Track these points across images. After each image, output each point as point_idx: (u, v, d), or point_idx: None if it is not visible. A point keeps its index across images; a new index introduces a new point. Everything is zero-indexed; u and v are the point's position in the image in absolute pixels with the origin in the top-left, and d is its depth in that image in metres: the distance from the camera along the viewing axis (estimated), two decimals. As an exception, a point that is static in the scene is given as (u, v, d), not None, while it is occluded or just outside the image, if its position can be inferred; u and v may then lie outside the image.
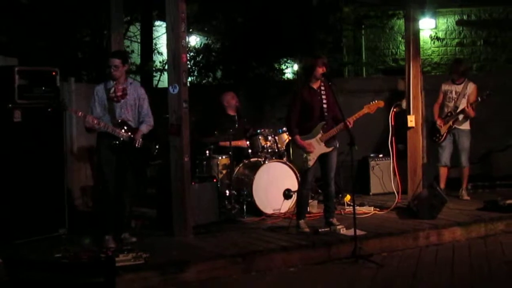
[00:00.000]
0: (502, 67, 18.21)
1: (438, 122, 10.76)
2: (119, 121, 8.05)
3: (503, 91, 12.31)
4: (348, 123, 8.38)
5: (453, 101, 10.73)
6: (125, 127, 8.06)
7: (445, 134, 10.70)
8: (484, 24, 18.80)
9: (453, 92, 10.79)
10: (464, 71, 10.87)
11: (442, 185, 10.62)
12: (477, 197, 10.74)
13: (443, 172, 10.89)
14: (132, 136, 8.06)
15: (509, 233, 9.26)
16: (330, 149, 8.64)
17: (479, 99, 10.55)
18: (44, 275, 3.80)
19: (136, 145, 8.07)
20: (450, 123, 10.67)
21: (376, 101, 8.86)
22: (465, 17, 18.93)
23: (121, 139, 8.00)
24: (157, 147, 8.47)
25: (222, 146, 10.36)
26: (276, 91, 12.83)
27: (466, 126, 10.69)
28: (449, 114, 10.74)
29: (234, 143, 10.10)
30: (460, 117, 10.61)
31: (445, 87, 10.91)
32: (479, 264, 7.74)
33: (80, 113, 7.98)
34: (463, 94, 10.68)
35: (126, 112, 8.14)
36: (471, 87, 10.72)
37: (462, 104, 10.63)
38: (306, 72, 8.82)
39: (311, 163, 8.55)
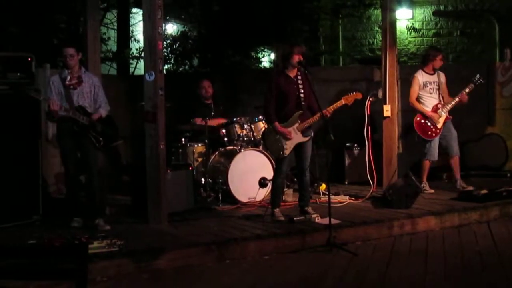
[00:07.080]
0: (477, 58, 18.29)
1: (432, 115, 10.34)
2: (77, 106, 8.16)
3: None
4: (326, 112, 8.39)
5: (436, 92, 10.45)
6: (83, 112, 8.19)
7: (441, 128, 10.39)
8: (461, 15, 18.85)
9: (432, 83, 10.45)
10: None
11: (425, 178, 10.53)
12: (451, 187, 10.75)
13: (427, 165, 10.61)
14: (90, 119, 8.19)
15: (483, 223, 9.33)
16: (307, 138, 8.63)
17: (473, 85, 10.40)
18: (15, 261, 3.78)
19: (96, 127, 8.23)
20: (447, 114, 10.41)
21: (354, 92, 8.85)
22: (441, 8, 18.94)
23: (81, 122, 8.11)
24: (117, 129, 8.60)
25: (197, 132, 10.36)
26: (252, 79, 12.80)
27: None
28: (439, 106, 10.43)
29: (210, 122, 10.29)
30: (448, 106, 10.39)
31: (422, 78, 10.44)
32: (452, 253, 7.79)
33: (53, 102, 7.96)
34: (439, 83, 10.48)
35: (83, 99, 8.28)
36: (442, 76, 10.58)
37: (442, 94, 10.52)
38: (283, 59, 8.76)
39: (287, 151, 8.53)
